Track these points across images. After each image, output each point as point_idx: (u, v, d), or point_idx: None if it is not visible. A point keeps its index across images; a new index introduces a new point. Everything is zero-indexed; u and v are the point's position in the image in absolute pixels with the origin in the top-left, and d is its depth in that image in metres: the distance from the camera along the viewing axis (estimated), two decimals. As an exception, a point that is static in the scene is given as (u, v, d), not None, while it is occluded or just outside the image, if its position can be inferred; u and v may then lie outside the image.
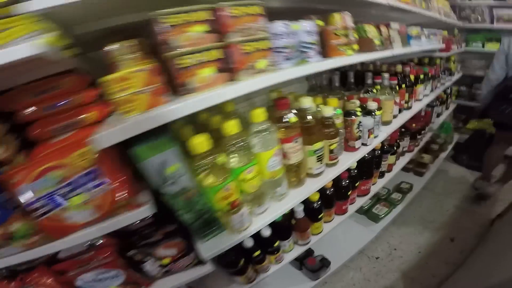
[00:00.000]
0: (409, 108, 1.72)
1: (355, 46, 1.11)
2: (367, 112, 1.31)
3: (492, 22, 3.01)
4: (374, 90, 1.48)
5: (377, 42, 1.22)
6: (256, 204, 0.98)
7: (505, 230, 1.64)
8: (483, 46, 3.10)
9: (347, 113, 1.22)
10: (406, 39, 1.60)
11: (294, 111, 0.99)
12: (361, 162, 1.44)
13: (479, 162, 2.48)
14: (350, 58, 1.08)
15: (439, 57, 2.37)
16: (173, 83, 0.71)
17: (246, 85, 0.76)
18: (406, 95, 1.65)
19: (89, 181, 0.71)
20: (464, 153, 2.81)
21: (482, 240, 1.85)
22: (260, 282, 1.29)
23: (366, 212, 2.08)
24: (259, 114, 0.88)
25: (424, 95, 1.94)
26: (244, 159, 0.87)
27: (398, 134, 1.80)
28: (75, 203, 0.70)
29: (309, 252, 1.71)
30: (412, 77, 1.71)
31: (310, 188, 1.13)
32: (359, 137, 1.28)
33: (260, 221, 0.97)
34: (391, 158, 1.77)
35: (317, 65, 0.96)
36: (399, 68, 1.62)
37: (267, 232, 1.15)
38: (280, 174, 1.00)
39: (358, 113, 1.22)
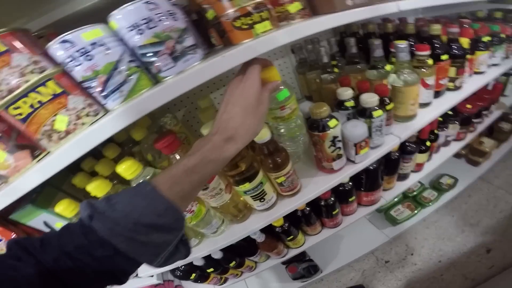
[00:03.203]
0: (456, 88, 1.00)
1: (292, 7, 0.52)
2: (360, 111, 0.73)
3: None
4: (388, 67, 0.83)
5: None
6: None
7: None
8: None
9: (313, 124, 0.68)
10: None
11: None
12: (356, 175, 0.91)
13: None
14: (266, 39, 0.50)
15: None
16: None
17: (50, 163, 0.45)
18: (452, 70, 0.94)
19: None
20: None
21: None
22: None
23: (384, 212, 1.55)
24: (127, 169, 0.55)
25: (491, 64, 1.16)
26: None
27: (436, 123, 1.12)
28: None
29: (298, 257, 1.41)
30: (465, 41, 0.97)
31: (255, 224, 0.78)
32: (339, 156, 0.74)
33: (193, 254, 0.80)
34: (420, 157, 1.15)
35: (180, 80, 0.46)
36: (435, 28, 0.87)
37: (217, 255, 0.95)
38: (197, 219, 0.68)
39: (332, 123, 0.66)
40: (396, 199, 1.57)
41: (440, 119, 1.16)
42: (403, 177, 1.19)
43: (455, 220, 1.55)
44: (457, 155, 1.73)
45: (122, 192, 0.35)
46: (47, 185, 0.70)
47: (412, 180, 1.22)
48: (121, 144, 0.78)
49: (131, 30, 0.43)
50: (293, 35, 0.51)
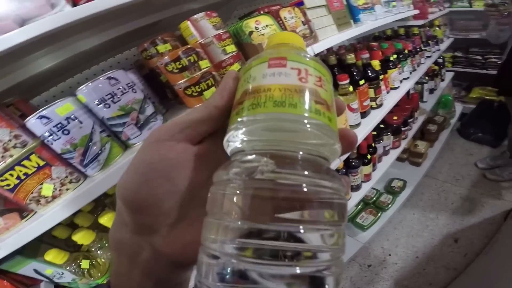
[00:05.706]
0: (379, 106, 1.21)
1: (234, 68, 0.65)
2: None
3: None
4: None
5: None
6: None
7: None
8: (470, 6, 2.30)
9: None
10: (349, 16, 1.04)
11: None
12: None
13: (490, 135, 2.02)
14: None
15: (416, 25, 1.74)
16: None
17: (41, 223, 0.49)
18: (371, 92, 1.14)
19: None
20: (472, 126, 2.19)
21: (492, 240, 1.43)
22: None
23: (351, 220, 1.67)
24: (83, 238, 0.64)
25: (403, 79, 1.40)
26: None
27: (371, 137, 1.31)
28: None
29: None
30: (376, 64, 1.18)
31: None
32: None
33: None
34: (365, 169, 1.31)
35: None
36: (349, 58, 1.07)
37: None
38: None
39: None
40: (359, 207, 1.71)
41: (375, 133, 1.35)
42: (356, 188, 1.33)
43: (417, 217, 1.71)
44: (401, 160, 1.96)
45: None
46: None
47: (365, 189, 1.36)
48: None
49: (99, 104, 0.50)
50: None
